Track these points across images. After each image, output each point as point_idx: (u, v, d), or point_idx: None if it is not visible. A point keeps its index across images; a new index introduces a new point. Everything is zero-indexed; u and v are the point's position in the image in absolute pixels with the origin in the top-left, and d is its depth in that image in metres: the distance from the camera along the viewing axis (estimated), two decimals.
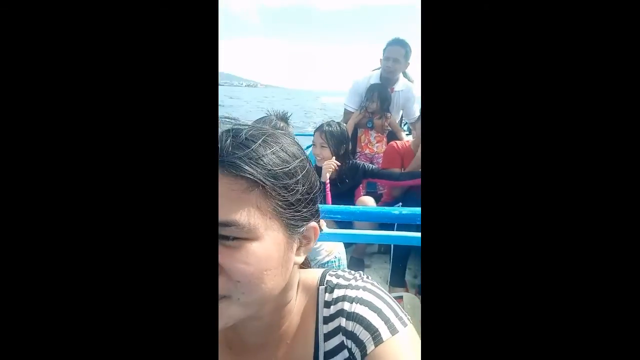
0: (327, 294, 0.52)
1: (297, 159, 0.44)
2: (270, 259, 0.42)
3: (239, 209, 0.39)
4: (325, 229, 1.43)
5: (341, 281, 0.52)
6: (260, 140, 0.42)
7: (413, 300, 1.64)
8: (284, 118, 1.78)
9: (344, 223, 1.83)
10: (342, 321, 0.49)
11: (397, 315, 0.48)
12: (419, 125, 2.15)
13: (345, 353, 0.50)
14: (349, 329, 0.48)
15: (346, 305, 0.50)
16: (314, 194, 0.47)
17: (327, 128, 1.97)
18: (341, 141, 1.99)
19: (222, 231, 0.39)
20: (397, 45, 2.47)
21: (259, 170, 0.40)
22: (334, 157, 1.94)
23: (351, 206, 1.36)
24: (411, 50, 2.53)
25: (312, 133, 2.13)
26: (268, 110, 1.80)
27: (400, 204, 2.03)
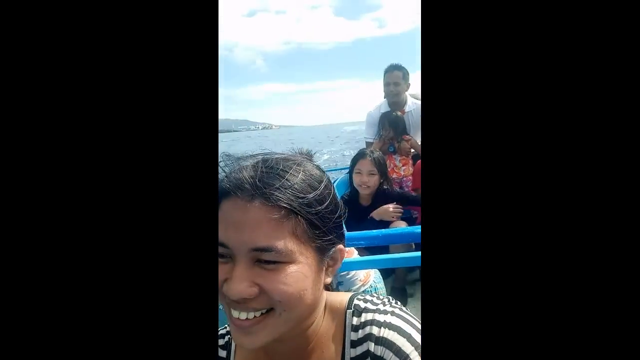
0: (354, 318, 0.52)
1: (322, 182, 0.48)
2: (306, 280, 0.45)
3: (277, 235, 0.43)
4: (356, 256, 1.45)
5: (369, 305, 0.53)
6: (292, 169, 0.46)
7: None
8: (309, 155, 1.84)
9: (378, 249, 1.85)
10: (371, 346, 0.49)
11: None
12: None
13: None
14: (378, 353, 0.49)
15: (374, 330, 0.50)
16: (340, 218, 0.50)
17: (374, 155, 2.00)
18: (386, 166, 2.06)
19: (262, 256, 0.43)
20: (394, 69, 2.63)
21: (294, 199, 0.44)
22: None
23: (373, 231, 1.35)
24: (408, 72, 2.66)
25: (349, 166, 2.15)
26: (293, 149, 1.86)
27: None
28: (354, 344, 0.51)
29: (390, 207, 1.94)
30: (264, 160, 0.47)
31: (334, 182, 2.89)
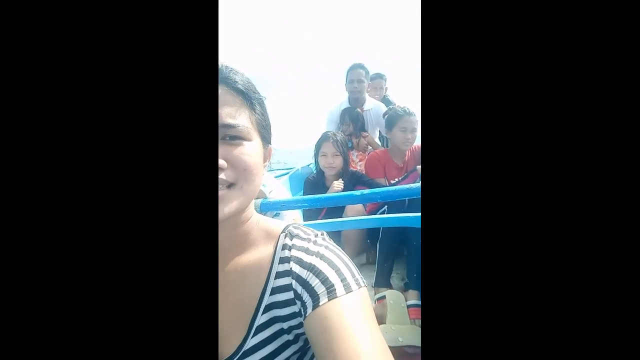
0: (286, 239, 0.57)
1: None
2: (260, 157, 0.54)
3: (240, 115, 0.51)
4: (301, 220, 1.54)
5: (301, 233, 0.57)
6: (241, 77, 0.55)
7: (396, 295, 1.70)
8: None
9: (332, 214, 1.97)
10: (296, 267, 0.53)
11: (353, 275, 0.51)
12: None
13: (291, 294, 0.52)
14: (303, 276, 0.51)
15: (302, 255, 0.53)
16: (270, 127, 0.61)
17: (337, 137, 2.17)
18: (346, 145, 2.22)
19: (228, 131, 0.50)
20: (357, 67, 2.80)
21: (249, 92, 0.53)
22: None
23: (317, 195, 1.44)
24: (369, 72, 2.85)
25: (314, 150, 2.29)
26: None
27: (386, 207, 2.14)
28: (282, 260, 0.55)
29: (335, 183, 2.10)
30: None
31: (287, 174, 3.06)
